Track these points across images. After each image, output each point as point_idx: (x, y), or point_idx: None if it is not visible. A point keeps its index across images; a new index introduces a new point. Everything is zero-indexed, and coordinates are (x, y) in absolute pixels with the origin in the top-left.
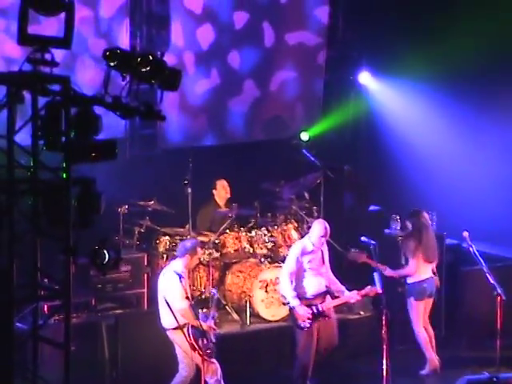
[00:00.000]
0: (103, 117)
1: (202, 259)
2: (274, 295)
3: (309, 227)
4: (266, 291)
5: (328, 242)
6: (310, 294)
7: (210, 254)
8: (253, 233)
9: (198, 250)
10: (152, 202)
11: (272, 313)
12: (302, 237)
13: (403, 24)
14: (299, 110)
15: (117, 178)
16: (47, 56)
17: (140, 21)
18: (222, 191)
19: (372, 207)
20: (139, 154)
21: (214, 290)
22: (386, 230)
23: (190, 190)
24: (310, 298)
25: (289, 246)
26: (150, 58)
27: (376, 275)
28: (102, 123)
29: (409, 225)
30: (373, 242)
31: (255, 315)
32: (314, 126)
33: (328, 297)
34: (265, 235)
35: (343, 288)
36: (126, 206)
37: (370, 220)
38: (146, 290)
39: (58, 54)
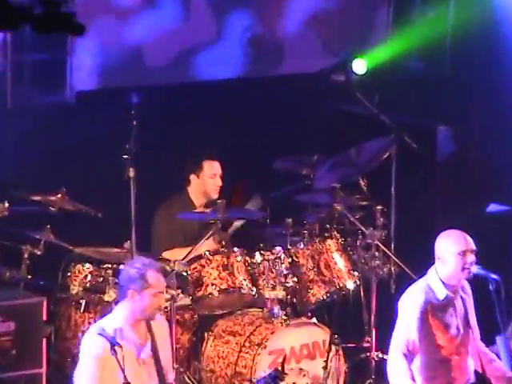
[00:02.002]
0: None
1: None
2: (299, 381)
3: (367, 246)
4: (283, 373)
5: None
6: None
7: (171, 297)
8: (257, 257)
9: (154, 281)
10: (58, 196)
11: None
12: (354, 266)
13: None
14: (348, 20)
15: None
16: None
17: None
18: (206, 180)
19: (493, 206)
20: (33, 100)
21: None
22: None
23: (132, 173)
24: None
25: (327, 283)
26: None
27: (500, 340)
28: None
29: None
30: (493, 276)
31: None
32: (377, 49)
33: None
34: (280, 261)
35: (502, 366)
36: (7, 204)
37: (488, 229)
38: (44, 370)
39: None
